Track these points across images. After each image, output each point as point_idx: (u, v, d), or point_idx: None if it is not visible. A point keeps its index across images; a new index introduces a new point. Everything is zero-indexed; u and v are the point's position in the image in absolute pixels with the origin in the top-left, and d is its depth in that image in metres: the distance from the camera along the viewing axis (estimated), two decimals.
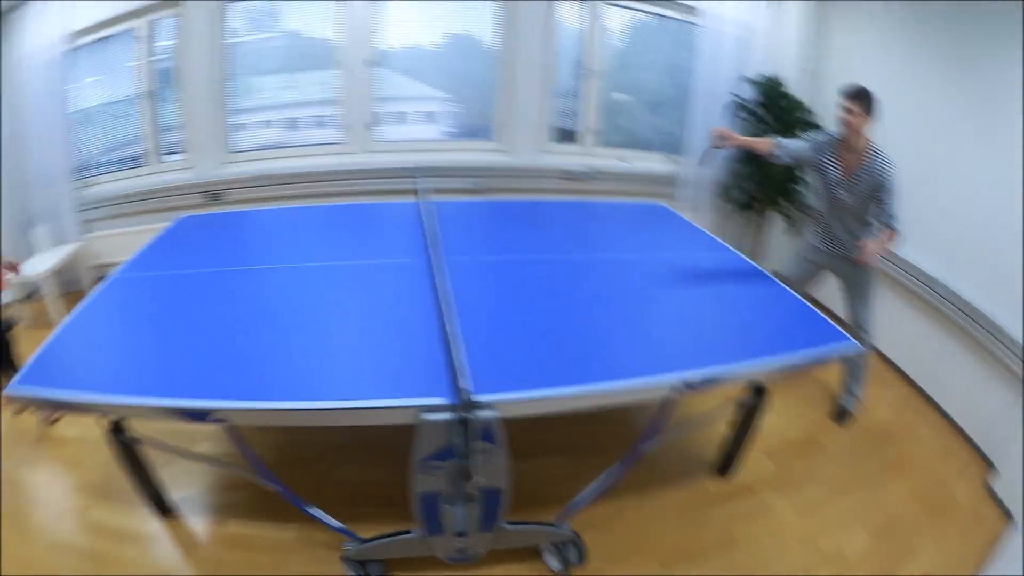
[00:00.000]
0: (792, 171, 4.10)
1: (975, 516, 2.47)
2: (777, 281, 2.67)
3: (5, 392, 1.84)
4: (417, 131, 4.78)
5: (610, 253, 2.97)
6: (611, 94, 4.62)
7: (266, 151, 4.61)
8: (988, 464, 2.72)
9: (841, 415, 3.02)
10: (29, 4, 3.81)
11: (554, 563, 2.08)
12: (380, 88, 4.45)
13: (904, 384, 3.37)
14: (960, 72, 3.04)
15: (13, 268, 3.04)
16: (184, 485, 2.50)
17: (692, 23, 4.27)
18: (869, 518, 2.42)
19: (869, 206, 2.62)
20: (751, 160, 4.17)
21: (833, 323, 2.29)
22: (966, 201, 3.01)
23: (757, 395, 2.33)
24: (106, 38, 4.15)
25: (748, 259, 2.92)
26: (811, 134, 2.82)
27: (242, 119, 4.54)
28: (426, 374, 1.76)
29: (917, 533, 2.36)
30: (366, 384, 1.76)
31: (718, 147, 2.77)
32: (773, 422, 2.85)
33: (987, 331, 2.82)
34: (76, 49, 4.09)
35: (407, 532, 1.90)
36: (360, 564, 1.99)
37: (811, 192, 3.93)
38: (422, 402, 1.62)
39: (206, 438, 2.76)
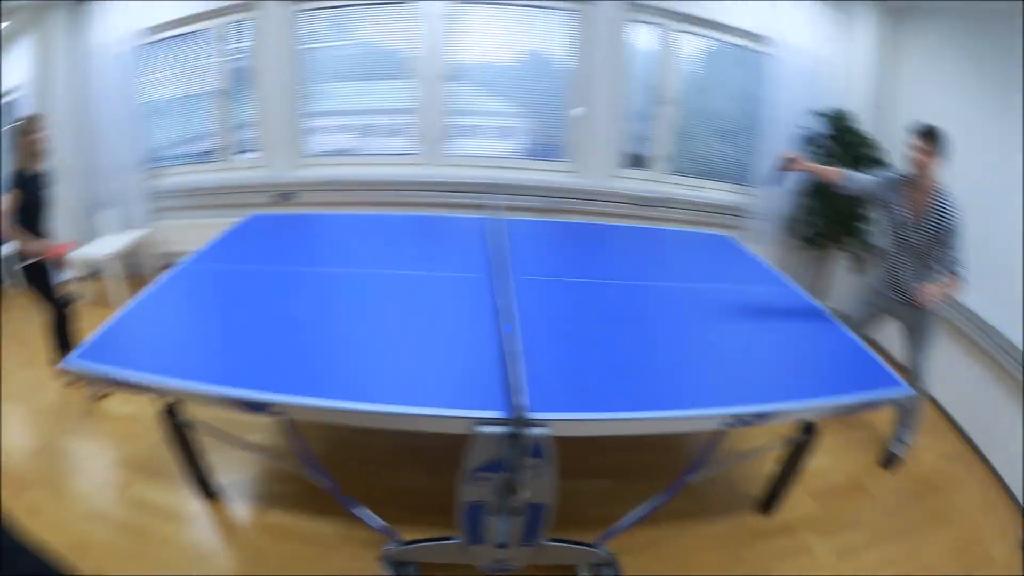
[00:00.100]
0: (858, 208, 4.09)
1: None
2: (835, 320, 2.66)
3: (61, 365, 1.98)
4: (488, 147, 4.88)
5: (671, 282, 3.01)
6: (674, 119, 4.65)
7: (338, 157, 4.79)
8: None
9: (889, 461, 2.99)
10: None
11: None
12: (454, 101, 4.57)
13: (955, 434, 3.31)
14: None
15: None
16: (230, 471, 2.63)
17: (763, 52, 4.31)
18: (904, 568, 2.41)
19: (934, 249, 2.60)
20: (818, 195, 4.16)
21: (887, 367, 2.28)
22: None
23: (806, 433, 2.33)
24: (181, 35, 4.38)
25: (808, 296, 2.92)
26: (882, 171, 2.83)
27: (315, 123, 4.71)
28: (482, 387, 1.83)
29: None
30: (424, 392, 1.82)
31: (785, 169, 2.79)
32: (820, 462, 2.83)
33: None
34: (151, 44, 4.33)
35: (449, 538, 1.97)
36: (398, 565, 2.06)
37: (878, 231, 3.93)
38: (477, 414, 1.68)
39: (258, 428, 2.89)
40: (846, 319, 2.77)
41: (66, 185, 3.86)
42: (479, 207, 3.93)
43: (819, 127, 4.20)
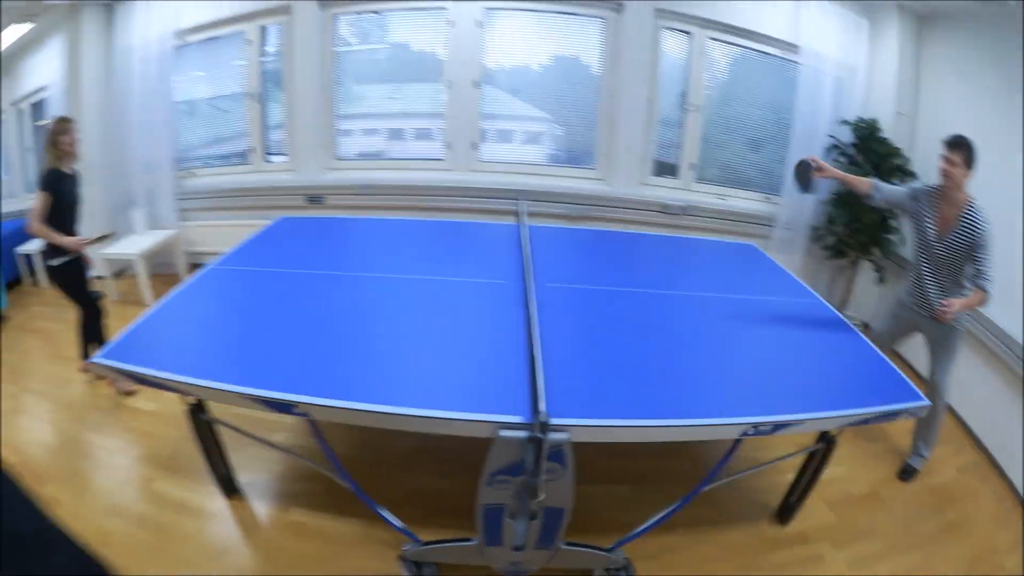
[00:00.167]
0: (885, 220, 4.10)
1: None
2: (855, 330, 2.68)
3: (90, 360, 2.06)
4: (519, 152, 4.94)
5: (695, 291, 3.04)
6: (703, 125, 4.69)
7: (369, 160, 4.88)
8: None
9: (906, 473, 3.00)
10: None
11: None
12: (485, 106, 4.64)
13: (974, 448, 3.31)
14: None
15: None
16: (253, 470, 2.70)
17: (790, 60, 4.34)
18: None
19: (962, 263, 2.59)
20: (843, 204, 4.19)
21: (906, 378, 2.30)
22: None
23: (824, 443, 2.36)
24: (214, 38, 4.48)
25: (831, 307, 2.95)
26: (913, 182, 2.84)
27: (346, 125, 4.82)
28: (505, 392, 1.87)
29: None
30: (448, 395, 1.88)
31: (814, 176, 2.77)
32: (838, 473, 2.87)
33: None
34: (184, 46, 4.45)
35: (467, 540, 2.02)
36: (416, 565, 2.12)
37: (905, 243, 3.95)
38: (500, 419, 1.73)
39: (282, 428, 2.98)
40: (876, 333, 2.79)
41: (95, 184, 3.98)
42: (508, 213, 3.99)
43: (845, 135, 4.22)
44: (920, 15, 4.06)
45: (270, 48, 4.58)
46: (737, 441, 2.07)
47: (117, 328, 2.63)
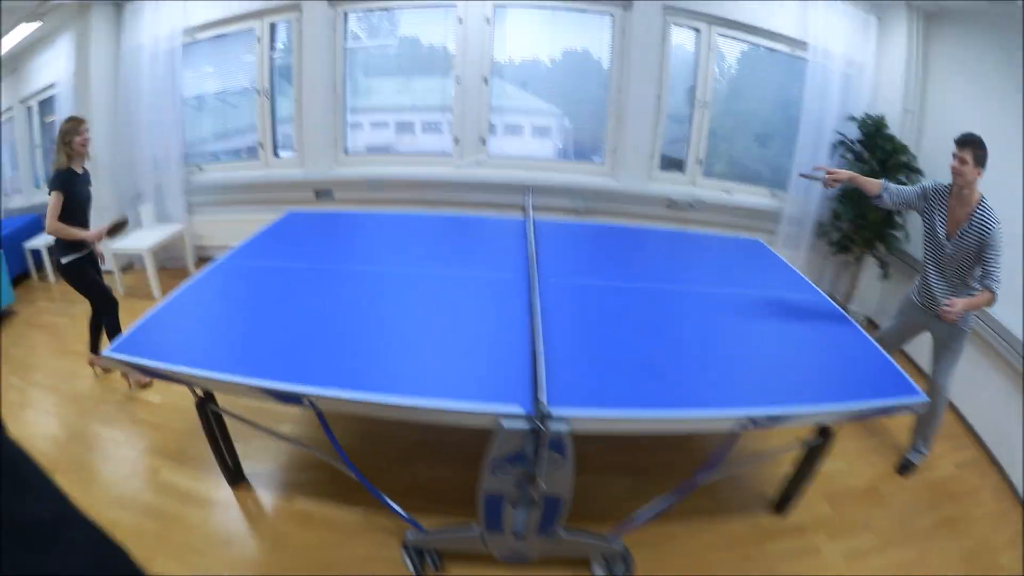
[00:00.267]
0: (890, 216, 4.16)
1: None
2: (857, 326, 2.72)
3: (104, 353, 2.13)
4: (527, 146, 5.01)
5: (699, 286, 3.10)
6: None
7: (378, 155, 4.97)
8: None
9: (905, 468, 3.05)
10: None
11: (601, 575, 2.26)
12: (493, 101, 4.72)
13: (975, 445, 3.36)
14: None
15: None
16: (258, 460, 2.78)
17: (798, 56, 4.39)
18: (910, 573, 2.47)
19: (971, 262, 2.61)
20: (851, 201, 4.24)
21: (906, 375, 2.34)
22: None
23: (822, 437, 2.41)
24: (222, 35, 4.57)
25: (833, 302, 2.99)
26: (924, 181, 2.86)
27: (355, 119, 4.90)
28: (508, 384, 1.94)
29: None
30: (452, 386, 1.94)
31: (826, 185, 2.82)
32: (837, 466, 2.94)
33: None
34: (193, 43, 4.54)
35: (468, 527, 2.10)
36: (419, 552, 2.20)
37: (909, 240, 4.00)
38: (502, 409, 1.80)
39: (287, 419, 3.06)
40: (880, 329, 2.83)
41: (103, 180, 4.07)
42: (516, 208, 4.06)
43: (854, 133, 4.28)
44: (928, 13, 4.10)
45: (280, 43, 4.66)
46: (736, 434, 2.13)
47: (125, 322, 2.71)
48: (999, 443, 3.26)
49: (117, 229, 3.20)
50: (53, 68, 4.59)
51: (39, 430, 3.08)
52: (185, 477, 2.74)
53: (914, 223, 3.92)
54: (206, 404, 2.38)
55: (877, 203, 2.89)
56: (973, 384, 3.36)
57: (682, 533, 2.54)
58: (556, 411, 1.77)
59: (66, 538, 0.60)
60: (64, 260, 3.15)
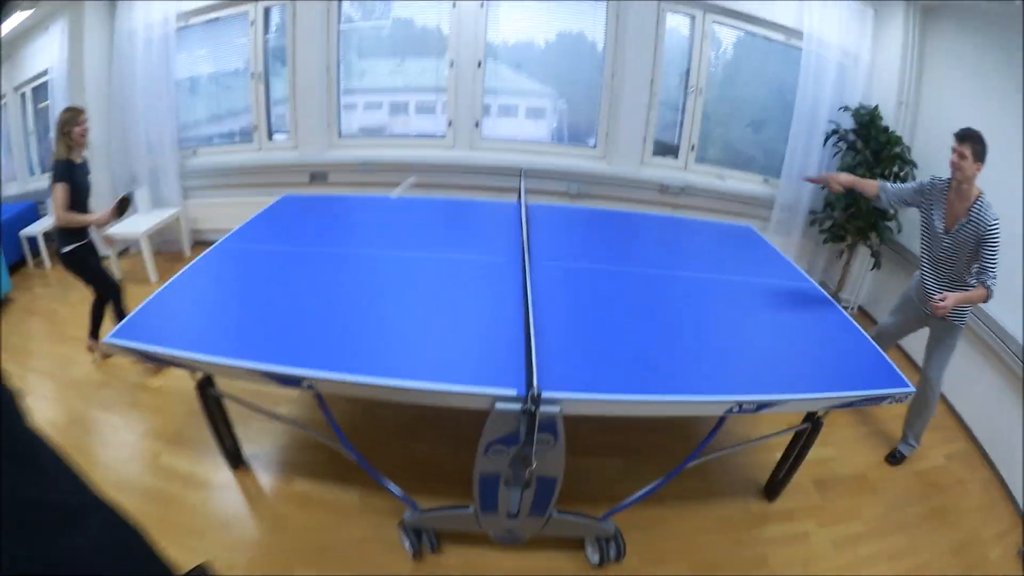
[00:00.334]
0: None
1: None
2: (846, 315, 2.81)
3: (106, 339, 2.18)
4: (521, 128, 5.10)
5: (690, 272, 3.18)
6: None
7: (372, 138, 5.07)
8: None
9: (894, 458, 3.15)
10: None
11: (593, 556, 2.33)
12: (487, 83, 4.81)
13: (966, 438, 3.45)
14: None
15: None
16: (258, 442, 2.88)
17: (793, 45, 4.48)
18: (901, 563, 2.55)
19: (967, 258, 2.65)
20: (845, 191, 4.36)
21: (893, 365, 2.42)
22: None
23: (811, 424, 2.50)
24: (215, 20, 4.66)
25: (823, 291, 3.08)
26: (923, 178, 2.88)
27: (349, 100, 4.99)
28: (502, 366, 2.02)
29: None
30: (448, 369, 2.02)
31: (824, 188, 2.93)
32: (828, 454, 3.05)
33: None
34: (186, 27, 4.62)
35: (464, 507, 2.19)
36: (415, 532, 2.30)
37: (902, 231, 4.08)
38: (496, 392, 1.88)
39: (285, 401, 3.15)
40: (878, 324, 2.90)
41: (98, 165, 4.14)
42: (509, 191, 4.16)
43: (848, 123, 4.37)
44: (926, 8, 4.17)
45: (274, 23, 4.73)
46: (722, 418, 2.22)
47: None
48: (990, 437, 3.36)
49: (122, 207, 3.26)
50: (47, 54, 4.65)
51: (38, 416, 3.08)
52: (185, 460, 2.83)
53: (907, 214, 4.01)
54: (206, 387, 2.46)
55: (876, 204, 2.96)
56: (966, 378, 3.46)
57: (673, 516, 2.64)
58: (547, 393, 1.84)
59: (85, 521, 0.62)
60: (66, 249, 3.22)
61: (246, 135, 5.03)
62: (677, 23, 4.60)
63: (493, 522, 2.20)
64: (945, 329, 2.88)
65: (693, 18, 4.56)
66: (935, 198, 2.76)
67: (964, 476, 3.19)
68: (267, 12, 4.66)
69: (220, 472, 2.74)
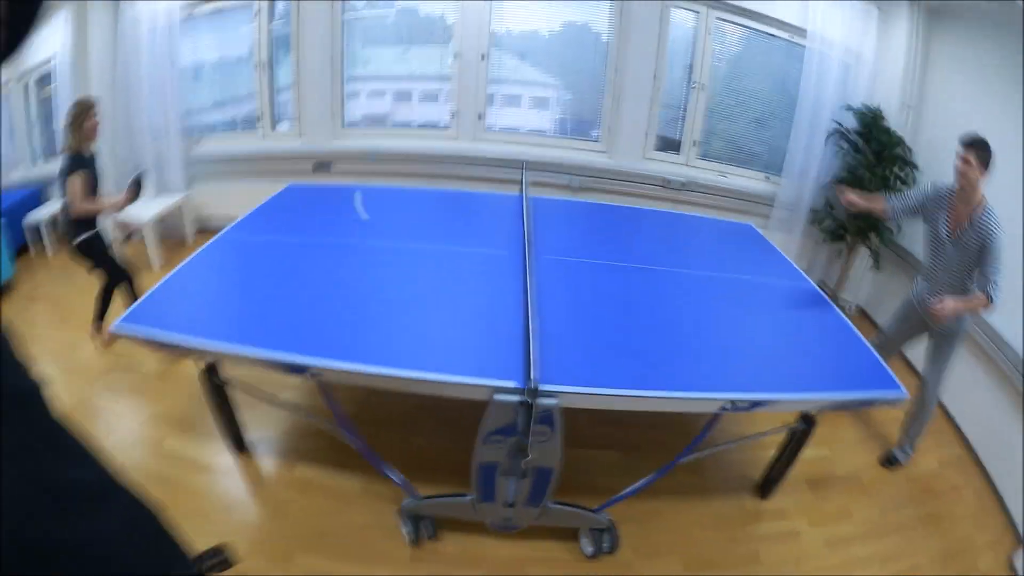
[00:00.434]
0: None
1: None
2: (844, 317, 2.90)
3: (119, 327, 2.28)
4: (524, 119, 5.23)
5: (689, 269, 3.30)
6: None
7: (374, 128, 5.20)
8: (1019, 540, 2.86)
9: (889, 462, 3.23)
10: None
11: (588, 547, 2.46)
12: (492, 73, 4.93)
13: (961, 444, 3.53)
14: None
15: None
16: (261, 427, 3.00)
17: (798, 44, 4.57)
18: (891, 566, 2.65)
19: (971, 265, 2.69)
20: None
21: (887, 368, 2.51)
22: None
23: (805, 423, 2.59)
24: (220, 9, 4.79)
25: (821, 291, 3.18)
26: (927, 185, 2.96)
27: (353, 88, 5.11)
28: (503, 358, 2.14)
29: None
30: (449, 360, 2.15)
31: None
32: (823, 453, 3.16)
33: None
34: (191, 17, 4.74)
35: (462, 496, 2.32)
36: (414, 519, 2.43)
37: (902, 232, 4.17)
38: (496, 383, 1.99)
39: (288, 386, 3.26)
40: (881, 331, 2.97)
41: (104, 153, 4.26)
42: (512, 183, 4.28)
43: (852, 123, 4.46)
44: (931, 9, 4.25)
45: (278, 11, 4.85)
46: (716, 415, 2.35)
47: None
48: (985, 445, 3.43)
49: (137, 188, 3.37)
50: (51, 42, 4.77)
51: None
52: (189, 444, 2.96)
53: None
54: (210, 374, 2.58)
55: (887, 219, 3.06)
56: (963, 384, 3.52)
57: (669, 510, 2.77)
58: (545, 386, 1.97)
59: (108, 503, 0.65)
60: (79, 239, 3.33)
61: (250, 123, 5.15)
62: (682, 18, 4.70)
63: (490, 511, 2.32)
64: (944, 336, 2.94)
65: (697, 14, 4.66)
66: (939, 204, 2.82)
67: (958, 482, 3.27)
68: (272, 3, 4.78)
69: (223, 457, 2.87)
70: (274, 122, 5.16)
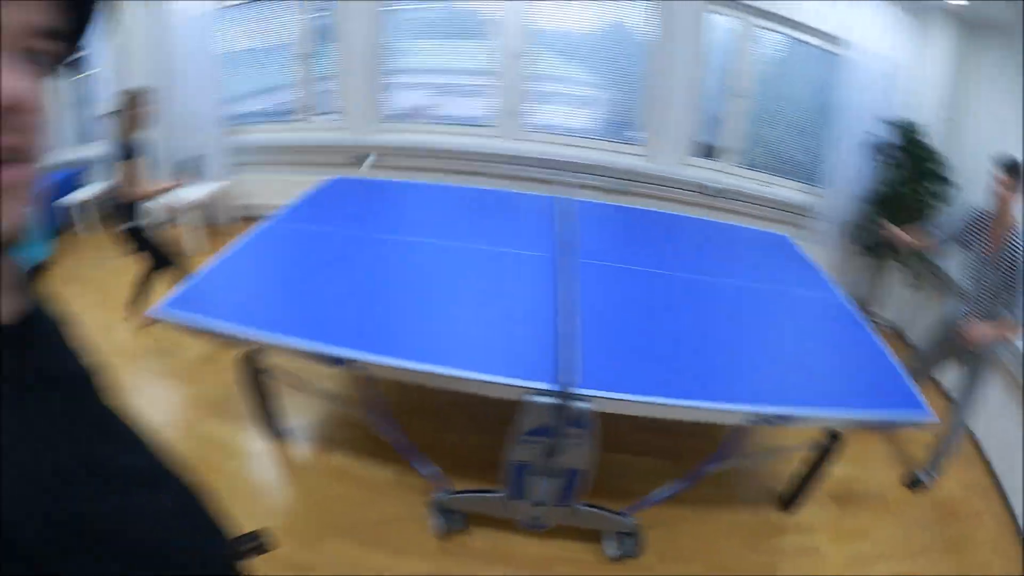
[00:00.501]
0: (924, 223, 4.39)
1: None
2: (876, 335, 2.92)
3: (163, 311, 2.41)
4: (564, 118, 5.35)
5: (723, 278, 3.35)
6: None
7: (415, 123, 5.36)
8: None
9: (914, 483, 3.27)
10: None
11: (611, 550, 2.56)
12: (532, 71, 5.04)
13: (985, 470, 3.55)
14: None
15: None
16: (298, 415, 3.13)
17: (839, 54, 4.60)
18: None
19: (1004, 288, 2.74)
20: (885, 204, 4.46)
21: (915, 389, 2.53)
22: None
23: (831, 440, 2.66)
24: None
25: (856, 307, 3.20)
26: (965, 209, 3.02)
27: (394, 82, 5.26)
28: (537, 360, 2.23)
29: None
30: (486, 358, 2.24)
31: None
32: (849, 470, 3.19)
33: None
34: (230, 7, 4.90)
35: (493, 492, 2.43)
36: (445, 512, 2.55)
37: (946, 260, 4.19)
38: (530, 384, 2.09)
39: (326, 375, 3.32)
40: (916, 352, 3.01)
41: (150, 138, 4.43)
42: (549, 183, 4.42)
43: (889, 135, 4.50)
44: (972, 24, 4.26)
45: (322, 4, 5.00)
46: (743, 428, 2.43)
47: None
48: (1007, 472, 3.42)
49: (184, 175, 3.52)
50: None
51: None
52: (224, 428, 3.10)
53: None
54: (249, 361, 2.70)
55: (938, 251, 3.12)
56: (990, 410, 3.56)
57: (694, 517, 2.85)
58: (579, 390, 2.07)
59: (156, 489, 0.66)
60: (129, 225, 3.48)
61: (291, 115, 5.32)
62: (722, 22, 4.77)
63: (520, 509, 2.43)
64: (975, 359, 2.98)
65: (738, 21, 4.73)
66: (976, 227, 2.89)
67: (980, 508, 3.30)
68: None
69: (258, 442, 3.00)
70: (315, 114, 5.33)
